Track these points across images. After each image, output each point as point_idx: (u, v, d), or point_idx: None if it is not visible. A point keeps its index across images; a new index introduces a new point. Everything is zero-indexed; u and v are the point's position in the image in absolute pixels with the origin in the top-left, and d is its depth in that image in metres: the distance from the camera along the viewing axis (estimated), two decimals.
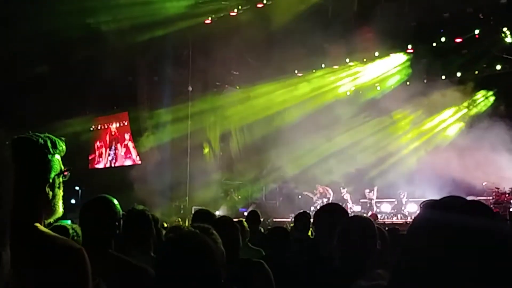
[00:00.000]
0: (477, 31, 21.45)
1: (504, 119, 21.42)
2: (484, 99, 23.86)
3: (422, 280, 1.47)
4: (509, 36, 18.75)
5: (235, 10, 23.63)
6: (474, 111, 24.16)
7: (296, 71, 25.62)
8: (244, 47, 22.90)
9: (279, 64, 22.79)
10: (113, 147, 28.62)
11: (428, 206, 1.61)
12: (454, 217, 1.51)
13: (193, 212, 22.61)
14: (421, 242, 1.53)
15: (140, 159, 26.92)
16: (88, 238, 3.48)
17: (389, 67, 25.20)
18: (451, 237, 1.47)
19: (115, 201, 3.60)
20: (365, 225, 3.75)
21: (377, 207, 23.25)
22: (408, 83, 25.07)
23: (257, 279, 4.10)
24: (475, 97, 24.00)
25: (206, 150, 27.36)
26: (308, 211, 9.10)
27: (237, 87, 26.61)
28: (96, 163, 29.31)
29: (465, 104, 24.27)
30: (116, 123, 28.45)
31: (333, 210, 4.36)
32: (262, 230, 9.73)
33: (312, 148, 25.09)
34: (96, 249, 3.11)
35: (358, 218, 4.05)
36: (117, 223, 3.53)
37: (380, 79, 25.72)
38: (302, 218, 8.12)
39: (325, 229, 4.14)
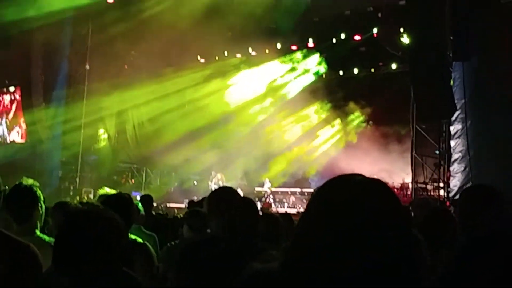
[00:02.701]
0: (375, 30, 22.13)
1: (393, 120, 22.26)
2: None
3: (314, 260, 1.38)
4: (405, 36, 19.45)
5: None
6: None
7: (198, 57, 25.40)
8: (146, 27, 22.37)
9: (182, 47, 22.46)
10: (3, 120, 27.09)
11: (327, 184, 1.50)
12: (350, 194, 1.42)
13: (83, 193, 22.06)
14: (315, 218, 1.44)
15: (26, 136, 25.62)
16: None
17: (290, 65, 25.64)
18: (347, 216, 1.38)
19: None
20: (247, 203, 3.86)
21: (273, 198, 23.52)
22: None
23: (138, 259, 3.94)
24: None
25: (101, 132, 26.55)
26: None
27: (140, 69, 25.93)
28: None
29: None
30: (7, 96, 26.93)
31: (224, 193, 4.28)
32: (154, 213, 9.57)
33: (211, 137, 25.14)
34: None
35: (242, 198, 4.05)
36: None
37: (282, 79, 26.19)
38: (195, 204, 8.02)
39: (215, 210, 4.05)
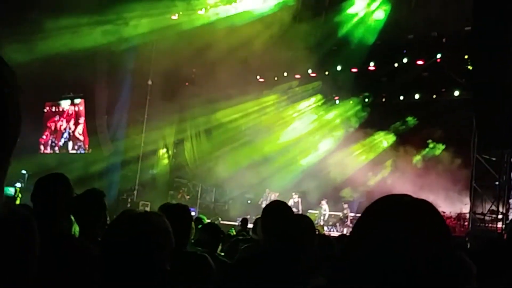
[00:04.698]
0: (439, 56, 21.81)
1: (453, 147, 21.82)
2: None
3: (359, 272, 1.46)
4: (470, 63, 19.09)
5: (203, 9, 23.56)
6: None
7: (258, 77, 25.64)
8: (207, 46, 22.77)
9: (242, 67, 22.72)
10: (67, 129, 27.99)
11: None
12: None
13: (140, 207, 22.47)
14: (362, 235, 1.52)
15: (88, 148, 26.36)
16: (39, 213, 3.31)
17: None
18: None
19: (69, 180, 3.48)
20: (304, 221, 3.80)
21: (325, 219, 23.24)
22: (366, 100, 25.43)
23: (200, 272, 3.98)
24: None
25: (161, 148, 27.04)
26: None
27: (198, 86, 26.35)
28: (45, 149, 28.61)
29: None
30: (72, 107, 27.87)
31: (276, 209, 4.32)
32: None
33: (266, 155, 25.32)
34: (45, 224, 2.96)
35: (298, 215, 4.07)
36: (69, 201, 3.42)
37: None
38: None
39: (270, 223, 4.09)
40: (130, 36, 22.72)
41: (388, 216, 1.50)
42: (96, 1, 21.10)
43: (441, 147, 23.21)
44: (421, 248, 1.43)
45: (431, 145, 23.79)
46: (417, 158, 24.17)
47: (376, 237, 1.46)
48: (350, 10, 22.70)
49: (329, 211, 23.44)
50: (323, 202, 23.51)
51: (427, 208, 1.53)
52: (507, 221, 16.08)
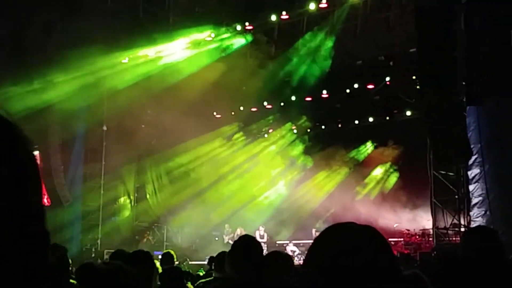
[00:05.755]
0: (388, 78, 22.31)
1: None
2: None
3: None
4: (418, 83, 19.58)
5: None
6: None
7: (214, 113, 25.72)
8: (159, 88, 22.74)
9: (197, 104, 22.78)
10: None
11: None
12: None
13: (105, 255, 22.02)
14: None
15: (49, 200, 25.78)
16: None
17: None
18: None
19: None
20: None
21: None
22: (323, 126, 25.79)
23: None
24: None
25: (122, 193, 26.63)
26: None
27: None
28: None
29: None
30: None
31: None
32: None
33: (229, 192, 25.33)
34: None
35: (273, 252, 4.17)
36: None
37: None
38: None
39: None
40: (80, 87, 22.28)
41: (334, 243, 1.59)
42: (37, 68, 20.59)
43: (395, 173, 23.75)
44: (367, 269, 1.51)
45: (389, 167, 24.24)
46: (377, 180, 24.54)
47: (326, 265, 1.54)
48: (299, 42, 23.01)
49: (298, 240, 23.45)
50: (290, 244, 23.33)
51: (370, 232, 1.62)
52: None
